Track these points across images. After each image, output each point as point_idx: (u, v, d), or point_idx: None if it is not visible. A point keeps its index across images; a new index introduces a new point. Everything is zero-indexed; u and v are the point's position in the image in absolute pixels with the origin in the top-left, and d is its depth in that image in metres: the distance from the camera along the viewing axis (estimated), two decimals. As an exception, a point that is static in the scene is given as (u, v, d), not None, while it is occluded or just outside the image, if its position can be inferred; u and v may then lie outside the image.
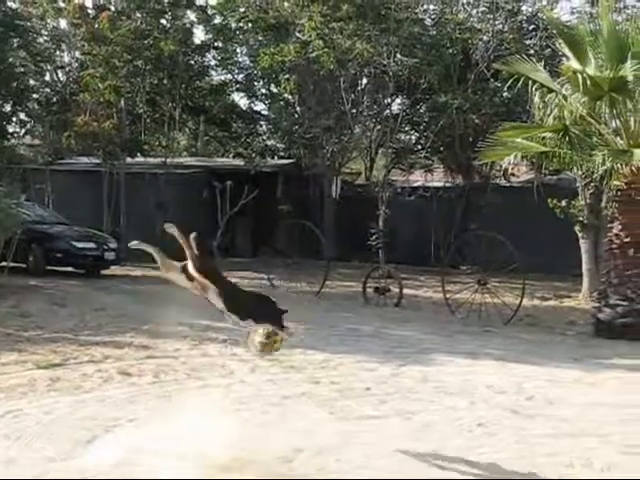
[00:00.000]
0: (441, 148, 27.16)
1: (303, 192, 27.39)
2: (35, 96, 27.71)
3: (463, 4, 26.12)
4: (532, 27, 25.09)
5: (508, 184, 25.45)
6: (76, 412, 8.03)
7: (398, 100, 27.06)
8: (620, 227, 14.02)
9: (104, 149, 25.85)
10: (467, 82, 24.39)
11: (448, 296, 16.45)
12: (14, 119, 26.62)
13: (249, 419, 7.85)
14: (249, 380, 9.71)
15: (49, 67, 28.87)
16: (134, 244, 7.01)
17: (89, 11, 26.78)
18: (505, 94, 23.94)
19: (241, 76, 30.90)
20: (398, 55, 23.01)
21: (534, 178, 22.97)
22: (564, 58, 14.93)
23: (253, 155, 28.18)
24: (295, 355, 11.23)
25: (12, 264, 18.63)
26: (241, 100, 31.87)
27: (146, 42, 25.73)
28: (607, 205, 16.15)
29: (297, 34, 24.39)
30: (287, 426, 7.69)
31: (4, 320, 13.51)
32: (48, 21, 29.31)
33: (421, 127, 27.94)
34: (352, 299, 18.19)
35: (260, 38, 27.89)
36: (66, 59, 30.13)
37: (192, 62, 28.11)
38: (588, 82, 13.44)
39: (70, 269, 21.04)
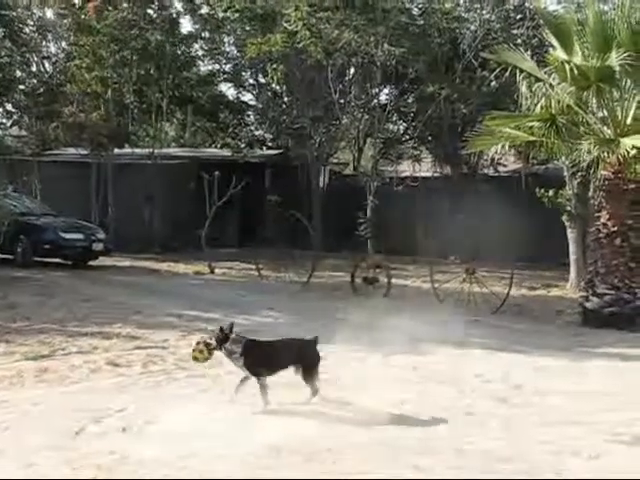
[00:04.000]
0: (429, 138, 27.19)
1: (291, 182, 27.37)
2: (21, 87, 27.60)
3: (450, -7, 26.12)
4: (519, 17, 25.08)
5: (496, 174, 25.48)
6: (65, 403, 8.02)
7: (386, 90, 27.08)
8: (607, 216, 14.06)
9: (92, 140, 25.77)
10: (455, 72, 24.40)
11: (436, 286, 16.48)
12: (0, 110, 26.48)
13: (236, 409, 7.84)
14: (238, 370, 9.69)
15: (35, 58, 28.77)
16: None
17: (75, 1, 26.66)
18: (493, 84, 23.95)
19: (228, 66, 30.88)
20: (385, 45, 22.98)
21: (522, 168, 23.05)
22: (551, 48, 14.92)
23: (241, 145, 28.15)
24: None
25: (-1, 256, 18.58)
26: (229, 90, 31.88)
27: (133, 32, 25.66)
28: (594, 194, 16.17)
29: (284, 24, 24.33)
30: (273, 416, 7.70)
31: (-8, 311, 13.49)
32: (34, 11, 29.22)
33: (409, 117, 27.96)
34: (341, 289, 18.20)
35: (247, 28, 27.82)
36: (52, 49, 30.09)
37: (179, 52, 28.01)
38: (575, 71, 13.46)
39: (58, 260, 21.00)
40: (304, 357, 8.03)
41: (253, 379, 7.86)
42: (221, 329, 7.88)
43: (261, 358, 7.91)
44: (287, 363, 8.00)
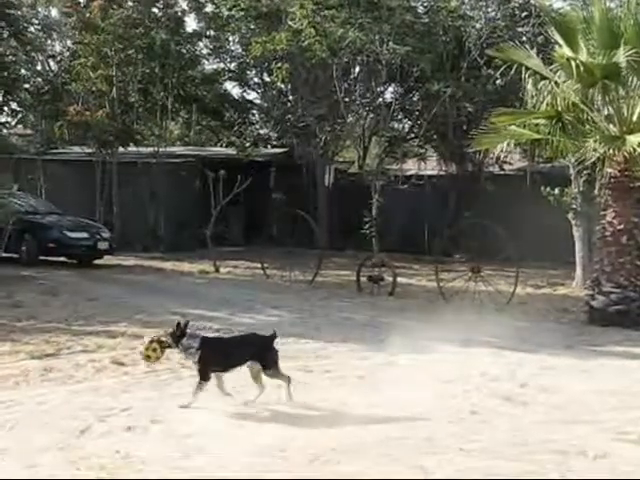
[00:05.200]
0: (434, 136, 27.15)
1: (296, 181, 27.36)
2: (26, 86, 27.58)
3: (455, -9, 26.06)
4: (525, 14, 25.02)
5: (501, 172, 25.44)
6: (70, 402, 8.01)
7: (391, 88, 27.03)
8: (613, 214, 14.01)
9: (97, 139, 25.79)
10: (460, 70, 24.36)
11: (442, 284, 16.45)
12: (5, 109, 26.50)
13: (241, 408, 7.83)
14: (242, 369, 9.69)
15: (40, 56, 28.80)
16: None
17: (80, 0, 26.65)
18: (498, 82, 23.90)
19: (233, 65, 30.86)
20: (390, 43, 22.93)
21: (527, 166, 23.01)
22: (557, 45, 14.88)
23: (246, 144, 28.11)
24: (289, 344, 11.21)
25: (4, 254, 18.62)
26: (233, 89, 31.86)
27: (138, 31, 25.64)
28: (600, 192, 16.12)
29: (289, 22, 24.31)
30: (277, 416, 7.70)
31: (-3, 310, 13.49)
32: (39, 10, 29.24)
33: (414, 115, 27.91)
34: (346, 288, 18.18)
35: (252, 26, 27.82)
36: (57, 48, 30.10)
37: (184, 51, 27.97)
38: (581, 68, 13.42)
39: (63, 259, 21.01)
40: (262, 354, 7.93)
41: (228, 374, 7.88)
42: (178, 325, 7.81)
43: (217, 354, 7.85)
44: (244, 359, 7.90)
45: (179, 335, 7.75)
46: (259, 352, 7.94)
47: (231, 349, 8.16)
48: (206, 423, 7.35)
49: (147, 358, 7.84)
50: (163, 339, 7.76)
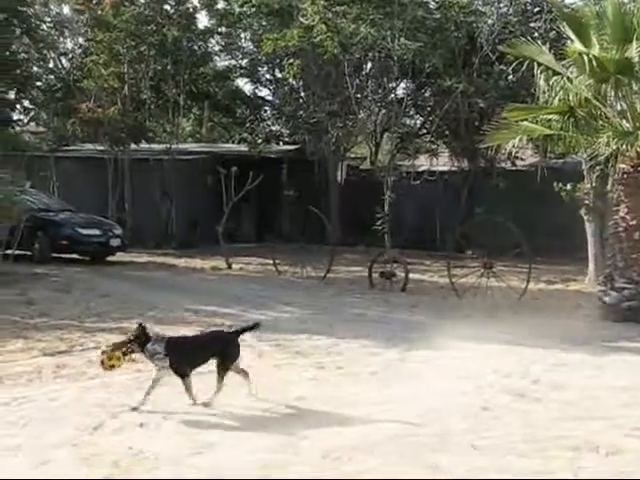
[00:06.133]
0: (446, 132, 27.09)
1: (308, 177, 27.36)
2: (39, 83, 27.68)
3: (467, -13, 25.99)
4: (537, 10, 24.96)
5: (514, 168, 25.38)
6: (82, 399, 8.04)
7: (403, 84, 27.00)
8: (626, 210, 13.95)
9: (109, 136, 25.86)
10: (472, 66, 24.30)
11: (454, 280, 16.43)
12: (18, 106, 26.55)
13: (251, 404, 7.85)
14: (255, 365, 9.71)
15: (52, 54, 28.85)
16: None
17: (92, -3, 26.70)
18: (510, 77, 23.84)
19: (245, 61, 30.89)
20: (402, 39, 22.88)
21: (539, 161, 22.92)
22: (569, 41, 14.82)
23: (258, 141, 28.13)
24: (301, 340, 11.26)
25: (17, 252, 18.65)
26: (245, 86, 31.93)
27: (149, 28, 25.72)
28: (613, 188, 16.04)
29: (300, 19, 24.29)
30: (289, 412, 7.71)
31: (10, 308, 13.55)
32: (51, 7, 29.29)
33: (426, 111, 27.87)
34: (358, 284, 18.17)
35: (264, 23, 27.83)
36: (69, 45, 30.16)
37: (196, 48, 28.06)
38: (594, 63, 13.34)
39: (75, 256, 21.07)
40: (225, 350, 7.82)
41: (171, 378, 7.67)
42: (143, 328, 7.61)
43: (186, 355, 7.71)
44: (209, 357, 7.80)
45: (144, 340, 7.55)
46: (222, 349, 7.82)
47: (197, 348, 8.02)
48: (218, 419, 7.37)
49: (111, 368, 7.56)
50: (129, 346, 7.49)
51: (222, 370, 7.72)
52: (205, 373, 7.90)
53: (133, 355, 7.66)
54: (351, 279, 19.17)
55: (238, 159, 24.68)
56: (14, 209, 17.60)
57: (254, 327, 8.29)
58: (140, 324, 7.72)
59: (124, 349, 7.48)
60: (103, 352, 7.57)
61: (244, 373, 7.94)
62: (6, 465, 6.25)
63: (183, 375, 7.58)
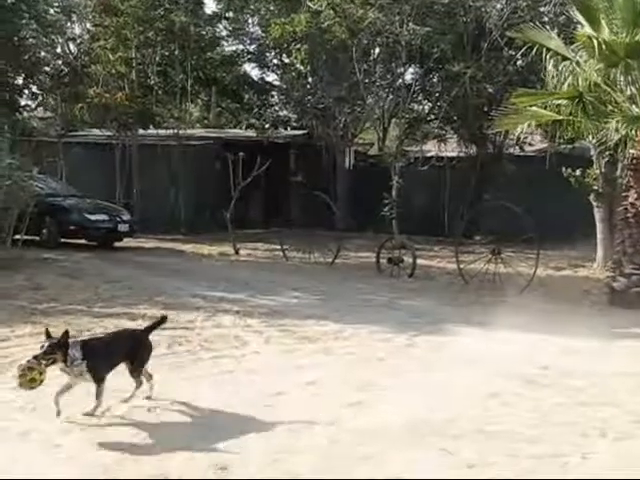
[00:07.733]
0: (454, 118, 26.96)
1: (316, 163, 27.32)
2: (46, 69, 27.58)
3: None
4: (546, -6, 24.82)
5: (522, 153, 25.29)
6: (90, 384, 8.02)
7: (411, 70, 26.95)
8: (635, 196, 13.90)
9: (116, 121, 25.84)
10: (480, 51, 24.20)
11: (462, 266, 16.40)
12: (26, 92, 26.52)
13: (258, 389, 7.86)
14: (263, 351, 9.72)
15: (60, 39, 28.74)
16: None
17: (100, -18, 26.64)
18: (519, 62, 23.75)
19: (253, 47, 30.82)
20: (410, 24, 22.81)
21: (548, 147, 22.85)
22: (578, 25, 14.74)
23: (265, 126, 28.09)
24: (309, 326, 11.26)
25: (25, 237, 18.65)
26: (253, 71, 31.83)
27: (157, 13, 25.66)
28: (622, 174, 15.98)
29: (308, 3, 24.21)
30: (295, 395, 7.71)
31: (18, 293, 13.56)
32: (59, -8, 29.15)
33: (434, 97, 27.76)
34: (366, 270, 18.17)
35: (271, 8, 27.74)
36: (77, 31, 30.09)
37: (203, 33, 27.97)
38: (603, 47, 13.27)
39: (83, 241, 21.09)
40: (133, 351, 7.42)
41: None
42: (66, 333, 7.00)
43: (103, 357, 7.19)
44: (121, 355, 7.36)
45: (65, 346, 6.87)
46: (132, 349, 7.43)
47: (111, 348, 7.49)
48: (225, 404, 7.37)
49: (32, 381, 6.69)
50: (50, 356, 6.78)
51: (136, 371, 7.37)
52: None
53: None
54: (359, 265, 19.16)
55: (246, 144, 24.66)
56: (22, 194, 17.60)
57: (162, 322, 7.92)
58: (65, 330, 7.11)
59: (44, 361, 6.76)
60: (20, 367, 6.75)
61: (149, 376, 7.55)
62: (16, 450, 6.27)
63: (101, 379, 7.05)
